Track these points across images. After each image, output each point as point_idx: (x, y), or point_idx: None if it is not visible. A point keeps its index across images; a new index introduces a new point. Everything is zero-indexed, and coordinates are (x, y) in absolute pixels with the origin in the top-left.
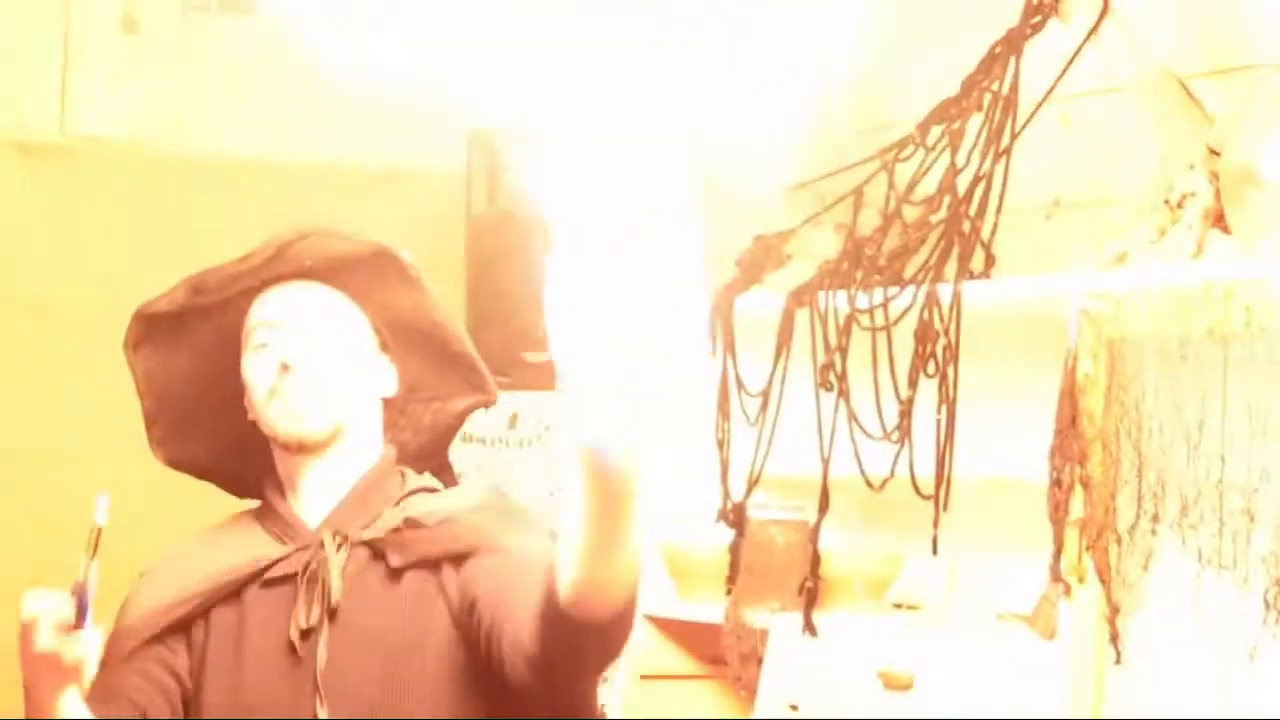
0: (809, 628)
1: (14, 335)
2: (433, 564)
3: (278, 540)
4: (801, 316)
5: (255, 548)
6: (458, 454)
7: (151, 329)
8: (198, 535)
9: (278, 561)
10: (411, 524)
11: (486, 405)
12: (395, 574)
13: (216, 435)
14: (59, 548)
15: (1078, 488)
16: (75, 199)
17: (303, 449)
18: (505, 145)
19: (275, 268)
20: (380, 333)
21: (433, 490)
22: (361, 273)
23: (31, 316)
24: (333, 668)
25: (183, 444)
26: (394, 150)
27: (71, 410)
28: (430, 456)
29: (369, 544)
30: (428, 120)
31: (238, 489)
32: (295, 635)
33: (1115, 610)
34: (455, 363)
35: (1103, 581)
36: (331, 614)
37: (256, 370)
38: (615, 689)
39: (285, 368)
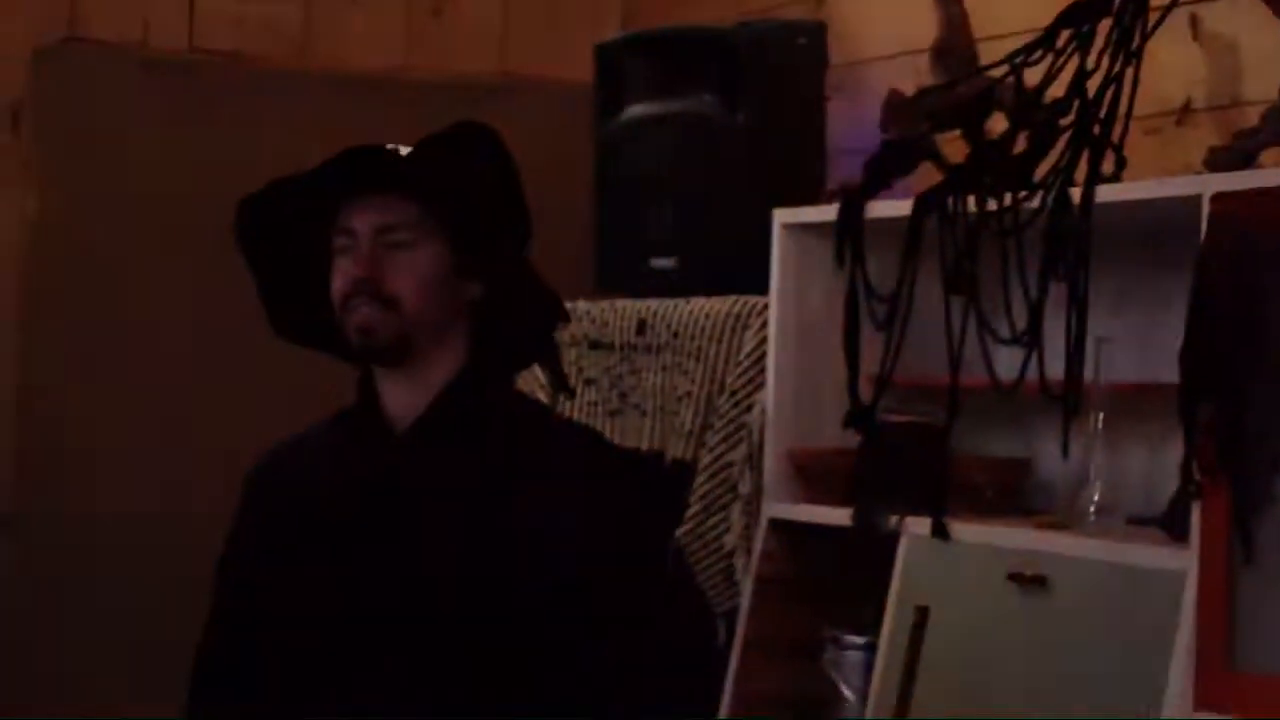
0: (939, 532)
1: (141, 249)
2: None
3: (360, 445)
4: (930, 221)
5: (341, 451)
6: (588, 359)
7: (254, 217)
8: (296, 440)
9: (353, 467)
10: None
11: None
12: (458, 493)
13: (325, 317)
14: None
15: (1208, 389)
16: (200, 114)
17: (378, 361)
18: (631, 57)
19: (362, 176)
20: (461, 243)
21: (531, 412)
22: (447, 185)
23: (158, 232)
24: (395, 570)
25: (296, 323)
26: (521, 63)
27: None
28: (524, 359)
29: (442, 453)
30: (555, 33)
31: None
32: (365, 536)
33: (1246, 509)
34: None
35: (1233, 482)
36: (396, 520)
37: (335, 278)
38: (746, 590)
39: (356, 281)
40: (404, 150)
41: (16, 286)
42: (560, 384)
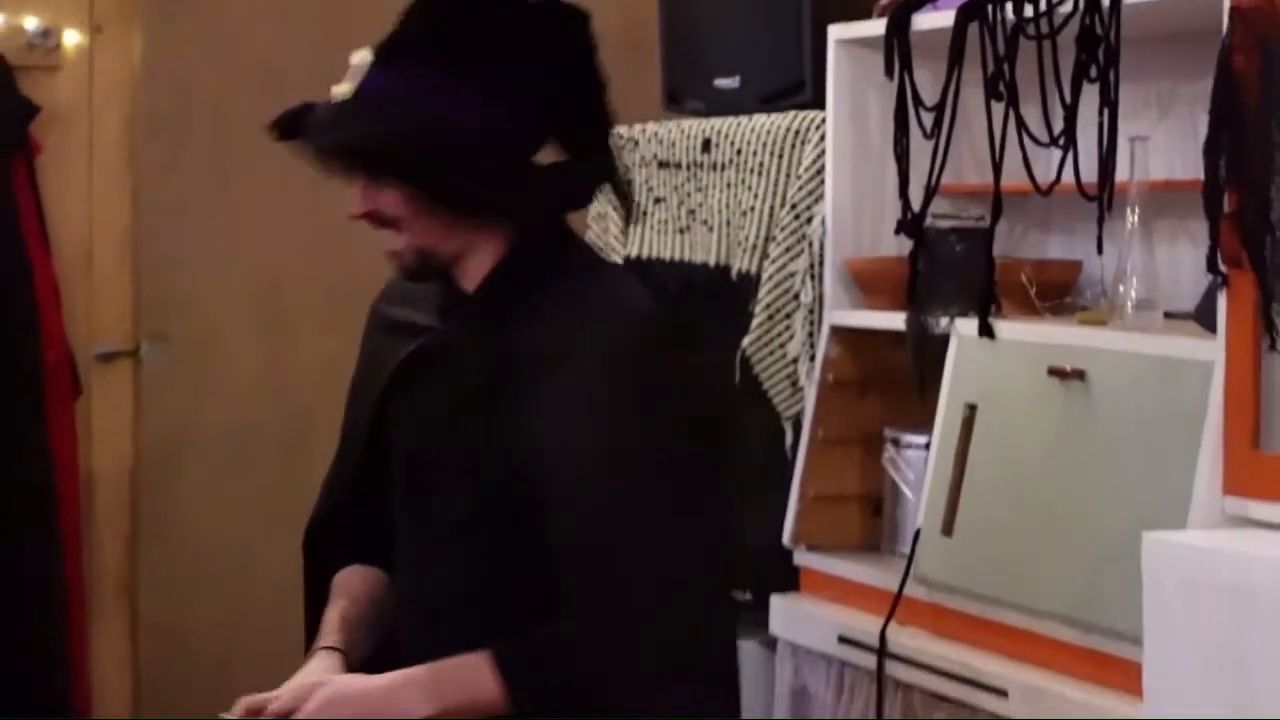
0: (986, 331)
1: (242, 92)
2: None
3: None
4: (972, 30)
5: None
6: (656, 179)
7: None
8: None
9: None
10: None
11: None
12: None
13: None
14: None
15: (1232, 182)
16: None
17: (422, 279)
18: None
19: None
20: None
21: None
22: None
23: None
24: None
25: None
26: None
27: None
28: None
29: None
30: None
31: None
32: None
33: (1270, 299)
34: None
35: (1257, 272)
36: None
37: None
38: (810, 394)
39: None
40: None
41: (124, 128)
42: (628, 212)
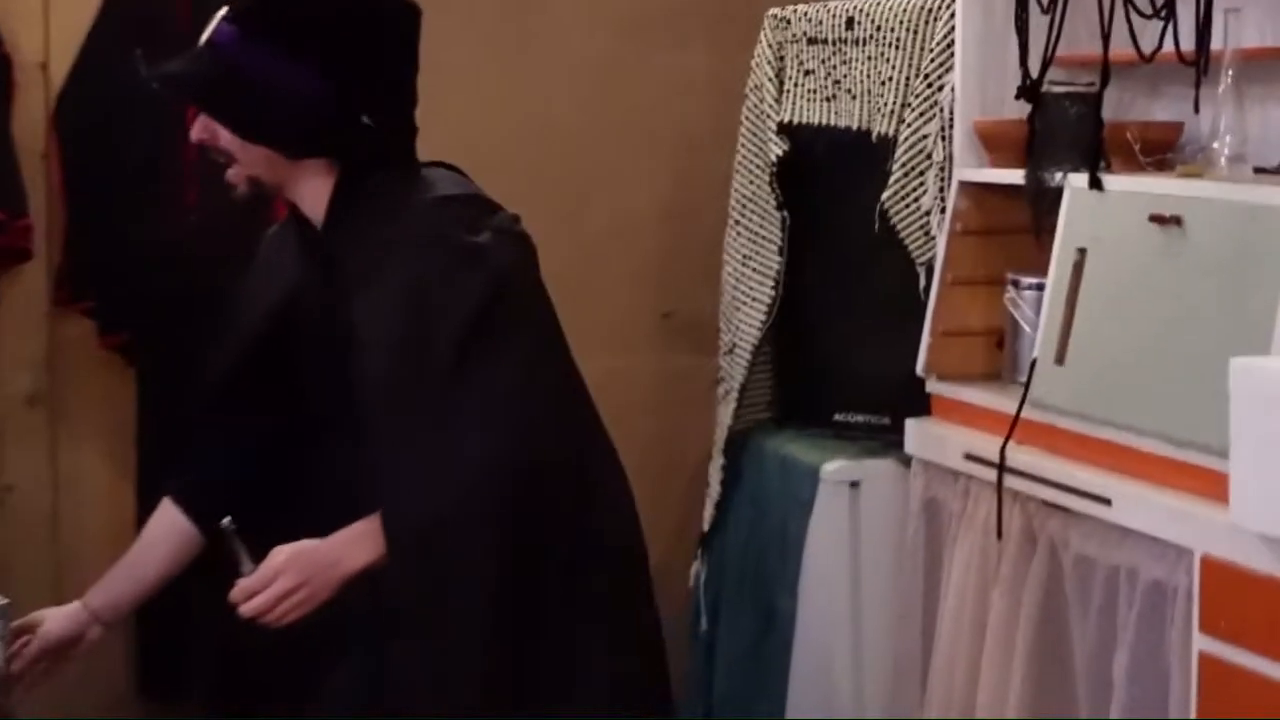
0: (1095, 184)
1: None
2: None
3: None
4: None
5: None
6: (806, 53)
7: None
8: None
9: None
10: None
11: None
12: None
13: None
14: None
15: None
16: None
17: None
18: None
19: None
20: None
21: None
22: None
23: None
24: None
25: None
26: None
27: None
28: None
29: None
30: None
31: None
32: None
33: None
34: None
35: None
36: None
37: None
38: (941, 242)
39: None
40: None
41: None
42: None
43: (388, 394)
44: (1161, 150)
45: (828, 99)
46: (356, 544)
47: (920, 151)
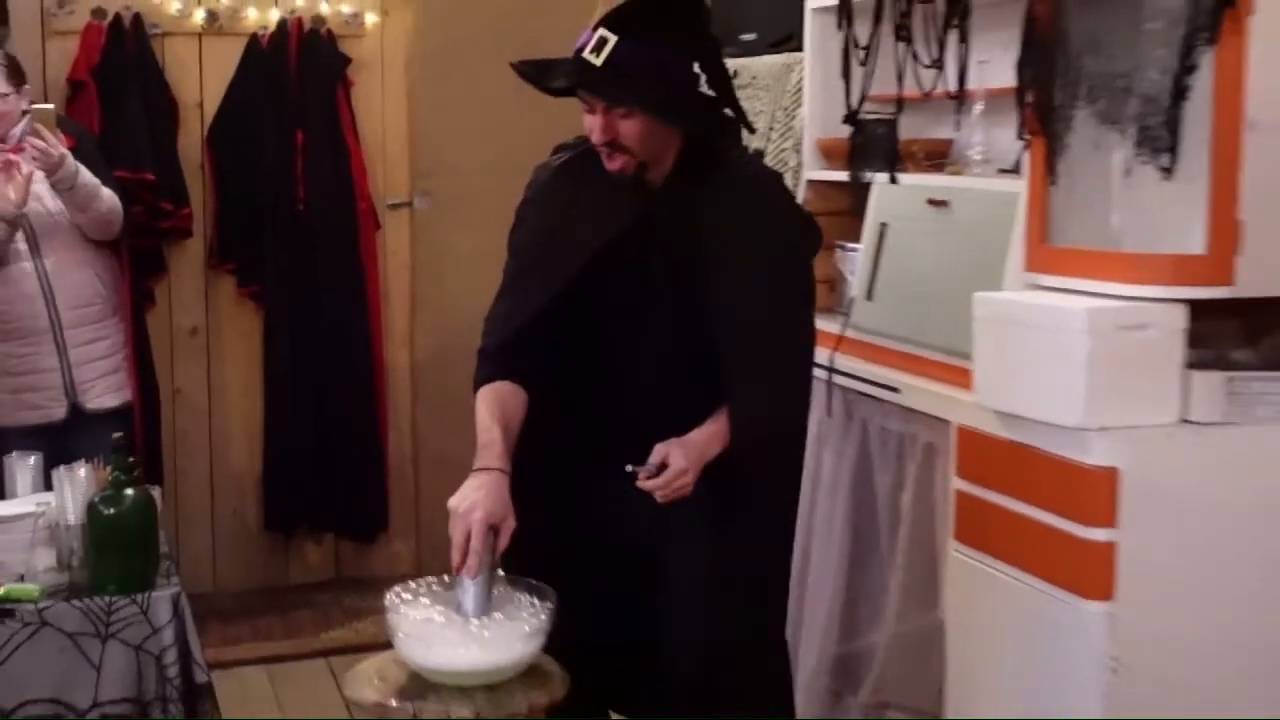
0: (893, 180)
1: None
2: None
3: (631, 190)
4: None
5: (617, 186)
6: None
7: (528, 67)
8: (574, 157)
9: (628, 200)
10: None
11: None
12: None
13: None
14: None
15: (1030, 87)
16: None
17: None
18: None
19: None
20: (656, 114)
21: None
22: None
23: (496, 39)
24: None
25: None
26: None
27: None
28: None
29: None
30: None
31: None
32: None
33: (1052, 155)
34: None
35: (1045, 138)
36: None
37: (588, 128)
38: None
39: (603, 141)
40: (603, 58)
41: (402, 71)
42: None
43: (750, 314)
44: (937, 157)
45: None
46: (716, 439)
47: (782, 160)
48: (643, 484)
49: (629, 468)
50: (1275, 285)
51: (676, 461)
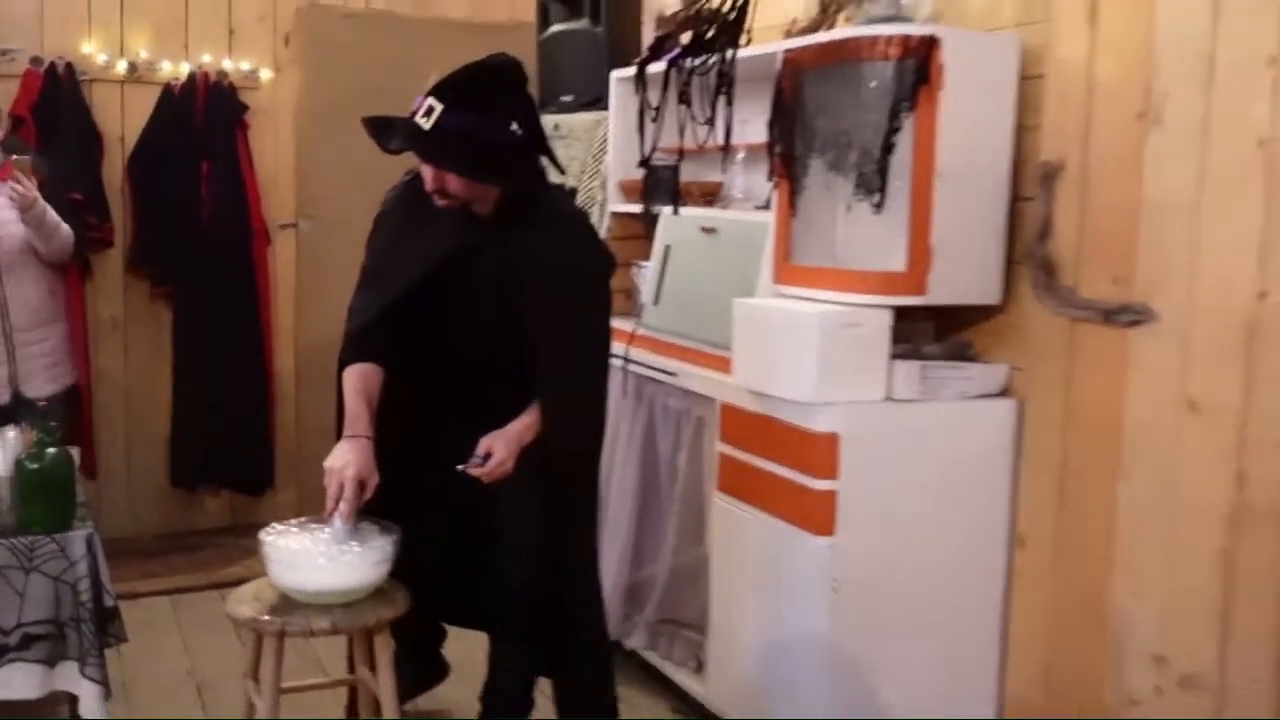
0: (676, 212)
1: (357, 105)
2: None
3: (462, 217)
4: (672, 72)
5: (451, 213)
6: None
7: (371, 123)
8: (412, 188)
9: (461, 224)
10: None
11: None
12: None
13: None
14: None
15: (779, 140)
16: (380, 42)
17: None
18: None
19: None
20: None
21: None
22: (460, 160)
23: (364, 94)
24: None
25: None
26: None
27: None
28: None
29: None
30: None
31: None
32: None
33: (793, 195)
34: None
35: (788, 180)
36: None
37: (424, 177)
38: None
39: (434, 190)
40: (431, 123)
41: (291, 118)
42: (560, 170)
43: (555, 320)
44: (709, 195)
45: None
46: (529, 429)
47: (591, 196)
48: (472, 472)
49: (459, 468)
50: (957, 296)
51: (498, 452)
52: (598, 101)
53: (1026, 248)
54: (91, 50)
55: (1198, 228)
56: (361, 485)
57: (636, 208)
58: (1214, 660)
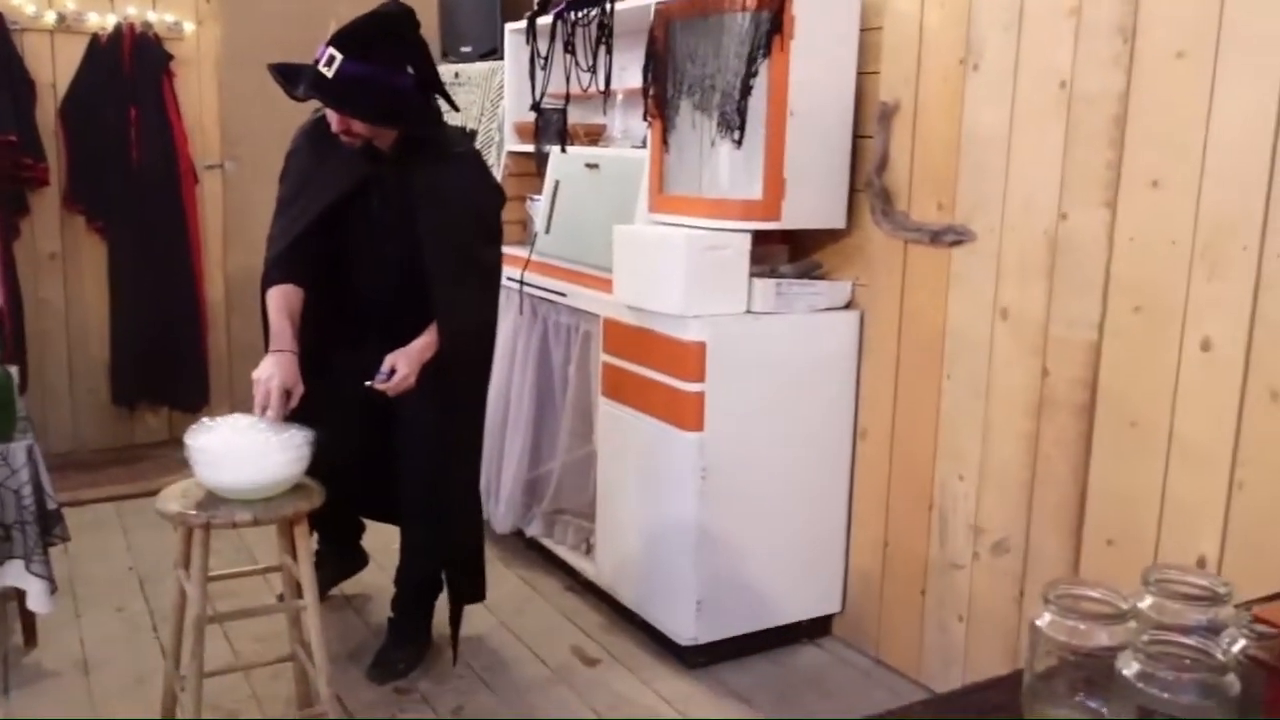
0: (564, 150)
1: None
2: None
3: (365, 154)
4: (559, 23)
5: (356, 150)
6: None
7: (279, 69)
8: (323, 124)
9: (364, 160)
10: None
11: None
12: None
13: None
14: None
15: (652, 83)
16: None
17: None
18: None
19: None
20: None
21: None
22: (366, 107)
23: (285, 39)
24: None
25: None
26: None
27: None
28: (425, 124)
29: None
30: None
31: None
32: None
33: (665, 132)
34: None
35: (660, 119)
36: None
37: (330, 120)
38: (501, 178)
39: (340, 130)
40: (333, 72)
41: (214, 66)
42: (455, 109)
43: (448, 248)
44: (593, 135)
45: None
46: (429, 347)
47: (489, 137)
48: (379, 387)
49: (367, 384)
50: (807, 221)
51: (401, 369)
52: (494, 52)
53: (867, 178)
54: (20, 1)
55: (1009, 159)
56: (287, 394)
57: (529, 147)
58: (1021, 529)
